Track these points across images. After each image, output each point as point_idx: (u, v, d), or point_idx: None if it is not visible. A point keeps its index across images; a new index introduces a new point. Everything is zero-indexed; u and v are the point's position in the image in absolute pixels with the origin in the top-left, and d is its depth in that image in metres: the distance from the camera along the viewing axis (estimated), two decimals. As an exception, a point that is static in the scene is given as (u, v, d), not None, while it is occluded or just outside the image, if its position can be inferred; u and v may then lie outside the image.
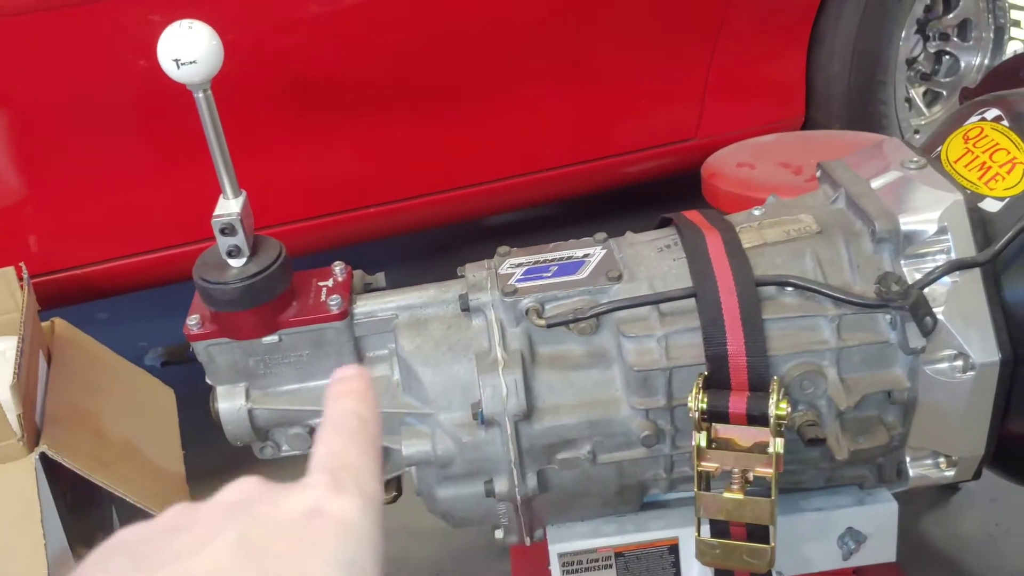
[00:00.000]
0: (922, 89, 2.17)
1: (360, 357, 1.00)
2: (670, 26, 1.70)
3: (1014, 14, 2.10)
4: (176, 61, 0.87)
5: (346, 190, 1.64)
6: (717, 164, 1.50)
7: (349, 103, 1.60)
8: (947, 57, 2.18)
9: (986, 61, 2.14)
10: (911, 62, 2.08)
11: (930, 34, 2.12)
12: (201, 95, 0.90)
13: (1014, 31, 2.12)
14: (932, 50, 2.13)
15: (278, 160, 1.59)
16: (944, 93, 2.18)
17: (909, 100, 2.07)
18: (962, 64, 2.16)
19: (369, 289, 1.05)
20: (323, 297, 0.97)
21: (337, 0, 1.54)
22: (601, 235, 1.04)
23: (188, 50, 0.86)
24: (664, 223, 1.05)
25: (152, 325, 2.31)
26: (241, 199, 0.95)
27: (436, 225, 1.78)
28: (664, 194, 1.87)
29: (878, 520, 1.03)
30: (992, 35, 2.14)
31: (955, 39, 2.15)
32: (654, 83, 1.76)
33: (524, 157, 1.72)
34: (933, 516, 1.42)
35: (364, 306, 0.99)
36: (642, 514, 1.05)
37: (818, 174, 1.05)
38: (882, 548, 1.05)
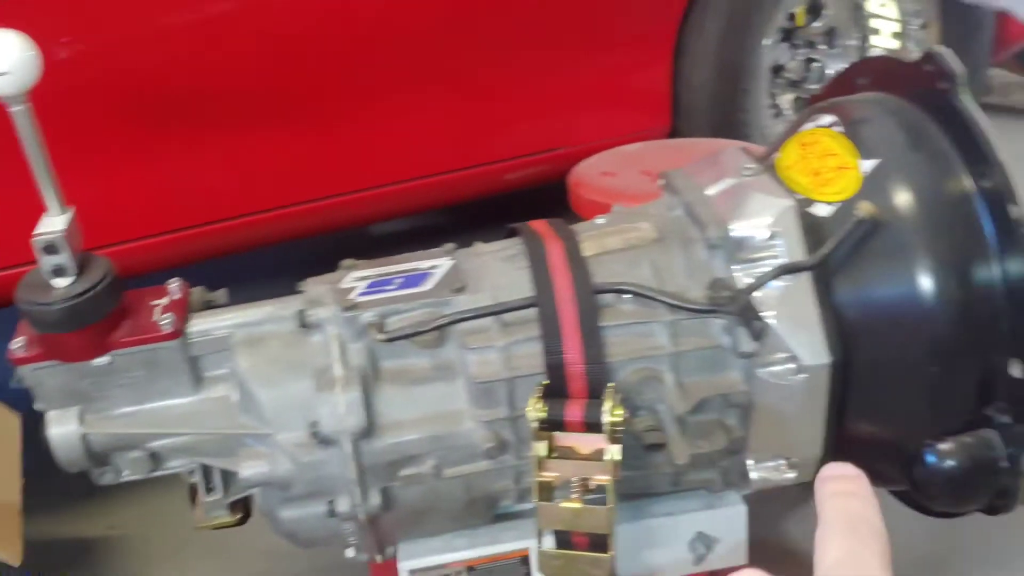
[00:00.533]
0: (791, 96, 2.22)
1: (198, 377, 0.97)
2: (539, 35, 1.71)
3: (875, 23, 2.18)
4: (-15, 72, 0.83)
5: (213, 201, 1.59)
6: (582, 173, 1.51)
7: (214, 111, 1.56)
8: (816, 64, 2.24)
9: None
10: (780, 69, 2.13)
11: (798, 42, 2.18)
12: (17, 108, 0.86)
13: (874, 39, 2.20)
14: (800, 58, 2.19)
15: (138, 172, 1.54)
16: (810, 103, 2.24)
17: (776, 107, 2.12)
18: (829, 71, 2.22)
19: (210, 306, 1.02)
20: (156, 316, 0.94)
21: (196, 6, 1.50)
22: (449, 246, 1.03)
23: (-1, 60, 0.82)
24: (511, 233, 1.05)
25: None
26: (67, 216, 0.91)
27: (302, 237, 1.75)
28: (543, 201, 1.88)
29: (727, 523, 1.05)
30: (859, 42, 2.21)
31: (822, 46, 2.21)
32: (525, 92, 1.76)
33: (396, 165, 1.71)
34: (794, 516, 1.45)
35: (199, 325, 0.96)
36: (494, 526, 1.04)
37: (661, 183, 1.06)
38: (733, 551, 1.06)
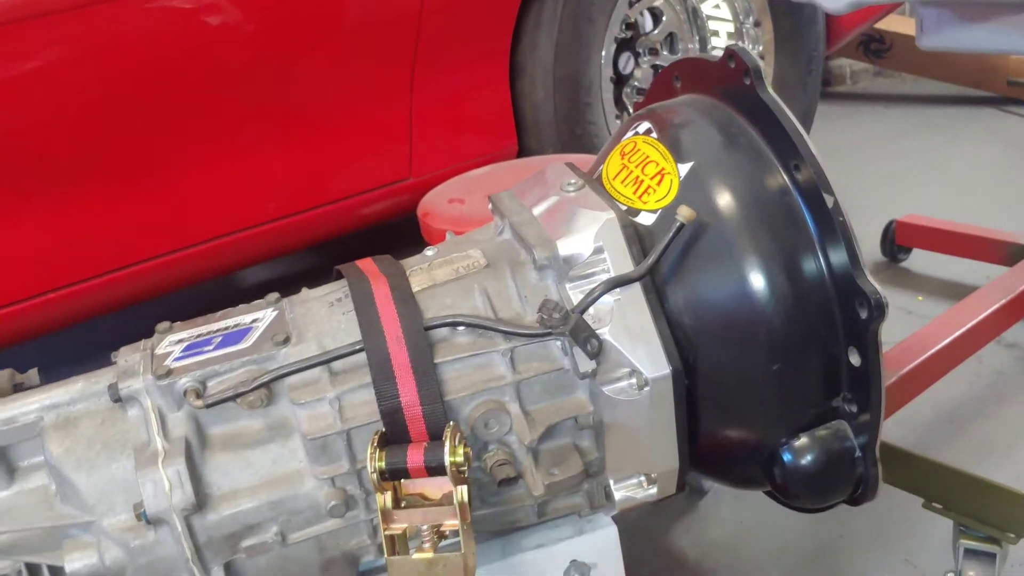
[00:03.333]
0: (641, 104, 2.24)
1: (10, 469, 0.89)
2: (364, 65, 1.67)
3: (712, 24, 2.22)
4: None
5: (25, 274, 1.49)
6: (430, 202, 1.47)
7: (16, 176, 1.46)
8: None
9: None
10: (627, 79, 2.15)
11: (640, 50, 2.20)
12: None
13: (714, 40, 2.24)
14: (645, 65, 2.21)
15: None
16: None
17: (627, 116, 2.14)
18: (677, 77, 2.25)
19: (19, 389, 0.94)
20: (-50, 409, 0.86)
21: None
22: (273, 296, 0.98)
23: None
24: (339, 275, 1.00)
25: None
26: None
27: (140, 300, 1.66)
28: (403, 235, 1.84)
29: (601, 547, 1.01)
30: (698, 46, 2.25)
31: (665, 52, 2.24)
32: (357, 125, 1.72)
33: (232, 213, 1.64)
34: (682, 525, 1.44)
35: (3, 412, 0.88)
36: (361, 585, 0.99)
37: (489, 207, 1.03)
38: (611, 574, 1.03)
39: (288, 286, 1.01)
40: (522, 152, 1.92)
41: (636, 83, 2.20)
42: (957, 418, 1.70)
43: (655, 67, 2.24)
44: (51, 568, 0.92)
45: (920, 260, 2.27)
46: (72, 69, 1.47)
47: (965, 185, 2.81)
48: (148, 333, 0.96)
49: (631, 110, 2.17)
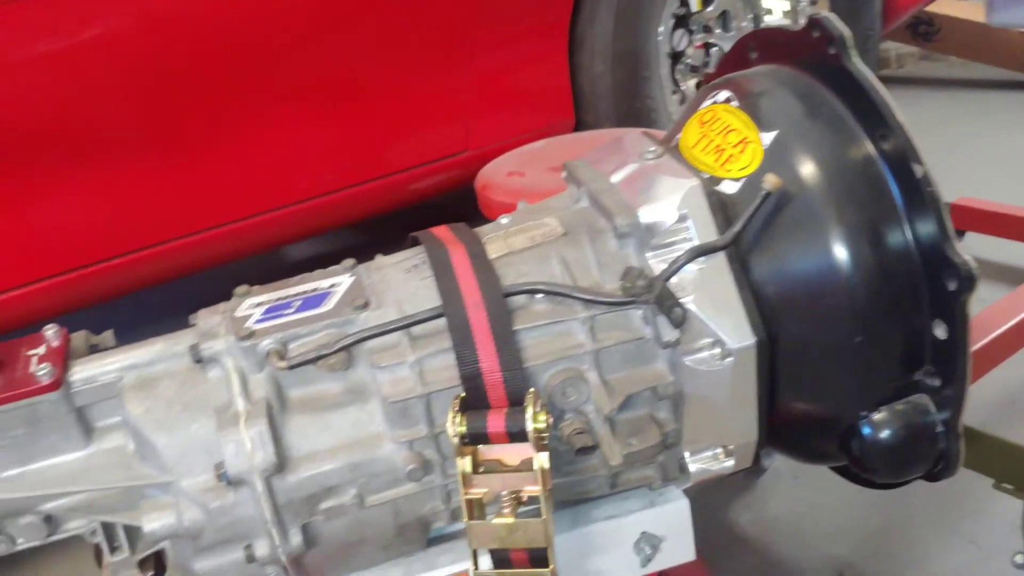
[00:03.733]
0: (694, 81, 2.22)
1: (87, 429, 0.89)
2: (422, 37, 1.66)
3: (766, 2, 2.19)
4: None
5: (83, 243, 1.50)
6: (489, 175, 1.46)
7: (77, 148, 1.47)
8: (715, 49, 2.24)
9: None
10: (680, 56, 2.13)
11: (693, 27, 2.17)
12: None
13: (767, 19, 2.21)
14: (698, 43, 2.19)
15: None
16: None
17: (681, 93, 2.12)
18: (728, 54, 2.23)
19: (96, 351, 0.95)
20: (32, 367, 0.86)
21: (54, 38, 1.41)
22: (349, 262, 0.98)
23: None
24: (414, 242, 1.00)
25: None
26: (-81, 269, 0.83)
27: (198, 271, 1.67)
28: (459, 209, 1.84)
29: (671, 520, 1.01)
30: (752, 24, 2.22)
31: (718, 31, 2.22)
32: (416, 97, 1.71)
33: (289, 185, 1.64)
34: (742, 502, 1.43)
35: (82, 372, 0.88)
36: (430, 550, 0.98)
37: (563, 175, 1.02)
38: (680, 548, 1.02)
39: (331, 263, 1.00)
40: (578, 126, 1.91)
41: (688, 60, 2.18)
42: (1019, 400, 1.67)
43: (708, 45, 2.22)
44: (126, 528, 0.93)
45: (973, 243, 2.24)
46: (126, 38, 1.47)
47: (1016, 169, 2.76)
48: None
49: (682, 88, 2.15)
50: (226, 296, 0.95)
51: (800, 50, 0.97)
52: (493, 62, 1.73)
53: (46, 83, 1.42)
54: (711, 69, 2.22)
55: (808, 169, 0.89)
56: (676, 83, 2.08)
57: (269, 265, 2.27)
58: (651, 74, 1.92)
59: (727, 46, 2.24)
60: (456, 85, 1.72)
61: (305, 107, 1.63)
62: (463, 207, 1.41)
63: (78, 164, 1.47)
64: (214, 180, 1.60)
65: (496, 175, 1.46)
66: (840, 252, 0.87)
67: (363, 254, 1.00)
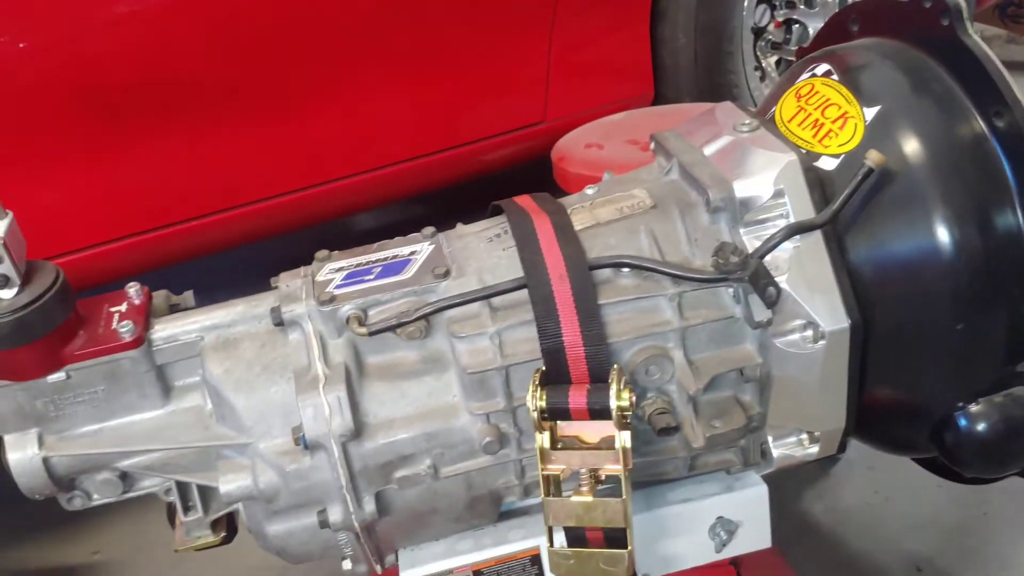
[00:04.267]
0: (774, 58, 2.16)
1: (166, 387, 0.89)
2: (504, 4, 1.63)
3: (854, -22, 2.11)
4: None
5: (166, 203, 1.52)
6: (566, 146, 1.44)
7: (165, 108, 1.48)
8: (796, 25, 2.18)
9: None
10: (760, 32, 2.07)
11: (776, 3, 2.11)
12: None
13: (854, -5, 2.13)
14: (780, 19, 2.13)
15: (88, 176, 1.46)
16: (795, 61, 2.19)
17: (762, 70, 2.06)
18: (811, 31, 2.16)
19: (176, 310, 0.95)
20: (114, 324, 0.87)
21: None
22: (429, 230, 0.96)
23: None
24: (496, 211, 0.97)
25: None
26: (6, 221, 0.83)
27: (272, 235, 1.67)
28: (529, 181, 1.82)
29: (749, 506, 0.98)
30: (836, 1, 2.15)
31: (801, 7, 2.15)
32: (494, 67, 1.69)
33: (366, 153, 1.63)
34: (814, 490, 1.40)
35: (163, 330, 0.88)
36: (500, 525, 0.97)
37: (652, 146, 0.99)
38: (756, 534, 0.99)
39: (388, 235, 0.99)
40: (657, 100, 1.87)
41: (770, 36, 2.12)
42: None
43: (789, 21, 2.16)
44: (200, 488, 0.93)
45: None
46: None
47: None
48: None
49: (762, 64, 2.09)
50: (285, 264, 0.94)
51: (907, 22, 0.92)
52: (574, 32, 1.70)
53: (143, 39, 1.43)
54: (793, 46, 2.16)
55: (913, 146, 0.85)
56: (757, 59, 2.03)
57: (332, 234, 2.27)
58: (734, 49, 1.87)
59: (810, 23, 2.17)
60: (536, 54, 1.69)
61: (387, 74, 1.61)
62: (529, 180, 1.39)
63: (171, 124, 1.48)
64: (298, 144, 1.60)
65: (574, 147, 1.43)
66: (944, 234, 0.83)
67: (418, 227, 0.99)
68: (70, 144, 1.43)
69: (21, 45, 1.33)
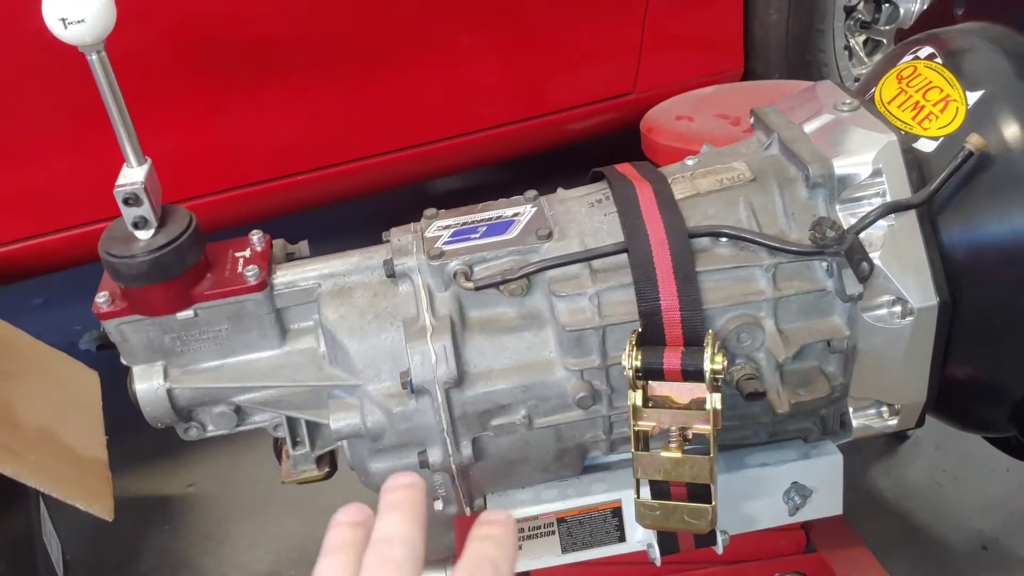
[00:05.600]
0: (863, 38, 2.14)
1: (283, 329, 0.95)
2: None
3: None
4: (63, 20, 0.81)
5: (272, 158, 1.58)
6: (655, 118, 1.46)
7: (275, 67, 1.54)
8: (887, 5, 2.15)
9: (925, 7, 2.12)
10: (850, 10, 2.06)
11: (868, -19, 2.09)
12: (94, 57, 0.85)
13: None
14: (871, -3, 2.11)
15: (204, 127, 1.52)
16: (884, 41, 2.16)
17: (849, 49, 2.05)
18: (901, 11, 2.13)
19: (292, 259, 1.01)
20: (240, 268, 0.93)
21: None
22: (531, 193, 1.00)
23: (75, 8, 0.81)
24: (596, 177, 1.01)
25: (87, 308, 2.27)
26: (146, 167, 0.90)
27: (370, 192, 1.73)
28: (612, 151, 1.85)
29: (823, 473, 1.02)
30: (931, -19, 2.12)
31: (894, -14, 2.13)
32: (588, 37, 1.71)
33: (459, 117, 1.67)
34: (881, 466, 1.42)
35: (284, 276, 0.94)
36: (584, 478, 1.02)
37: (751, 120, 1.02)
38: (829, 502, 1.03)
39: (476, 198, 1.03)
40: (746, 75, 1.88)
41: (859, 16, 2.10)
42: None
43: (879, 1, 2.13)
44: (308, 425, 0.99)
45: None
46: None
47: None
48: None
49: (850, 43, 2.08)
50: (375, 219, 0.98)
51: (1014, 7, 0.93)
52: (669, 4, 1.71)
53: (245, 2, 1.48)
54: (883, 25, 2.14)
55: (1013, 131, 0.87)
56: (846, 38, 2.02)
57: (415, 195, 2.32)
58: (826, 27, 1.86)
59: (901, 3, 2.14)
60: (631, 25, 1.70)
61: (482, 41, 1.64)
62: (615, 151, 1.42)
63: (280, 82, 1.54)
64: (396, 107, 1.64)
65: (663, 118, 1.45)
66: (1040, 220, 0.85)
67: (506, 192, 1.03)
68: (189, 99, 1.50)
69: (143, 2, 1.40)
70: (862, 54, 2.14)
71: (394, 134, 1.64)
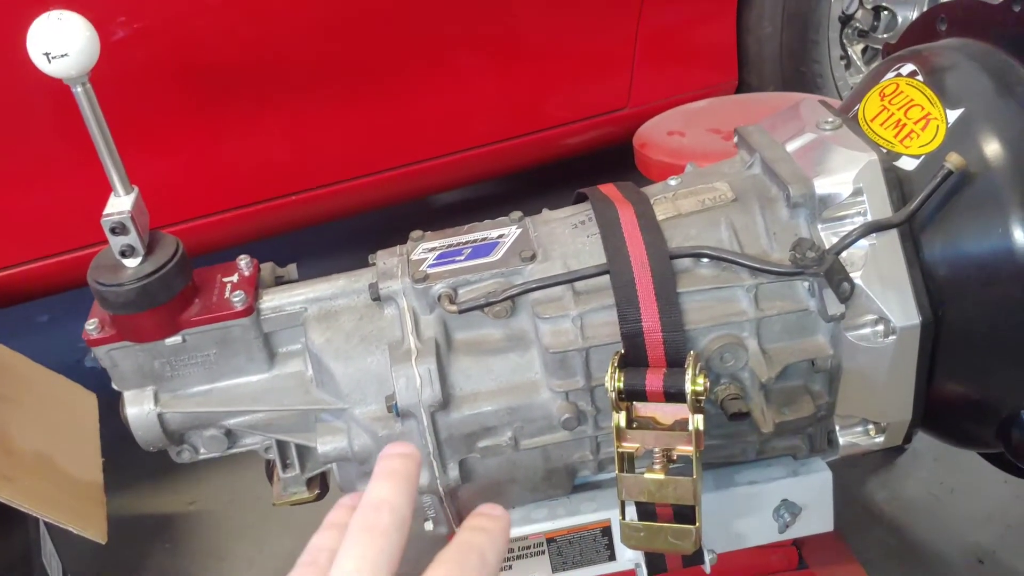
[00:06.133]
0: (861, 46, 2.14)
1: (271, 353, 0.96)
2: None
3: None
4: (47, 55, 0.82)
5: (267, 178, 1.59)
6: (648, 133, 1.46)
7: (265, 88, 1.56)
8: (885, 13, 2.15)
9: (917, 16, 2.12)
10: (848, 19, 2.06)
11: (865, -10, 2.09)
12: (79, 89, 0.86)
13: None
14: (869, 6, 2.11)
15: (195, 151, 1.54)
16: (882, 51, 2.17)
17: (847, 58, 2.05)
18: (900, 19, 2.14)
19: (280, 282, 1.02)
20: (227, 293, 0.94)
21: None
22: (516, 214, 1.01)
23: (58, 43, 0.82)
24: (580, 198, 1.02)
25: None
26: (133, 196, 0.91)
27: (364, 211, 1.74)
28: (607, 166, 1.85)
29: (813, 490, 1.02)
30: (929, -12, 2.12)
31: (891, -7, 2.13)
32: (581, 52, 1.72)
33: (452, 135, 1.69)
34: (878, 479, 1.42)
35: (271, 301, 0.95)
36: (573, 497, 1.02)
37: (735, 140, 1.02)
38: (819, 518, 1.03)
39: (472, 211, 1.03)
40: (741, 88, 1.88)
41: (857, 25, 2.10)
42: None
43: (877, 9, 2.13)
44: (298, 447, 1.00)
45: None
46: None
47: None
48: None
49: (847, 52, 2.08)
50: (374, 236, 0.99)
51: (996, 24, 0.93)
52: (662, 18, 1.72)
53: (252, 22, 1.50)
54: (880, 35, 2.14)
55: (994, 149, 0.87)
56: (843, 47, 2.02)
57: (413, 210, 2.33)
58: (820, 38, 1.86)
59: (899, 11, 2.15)
60: (623, 40, 1.71)
61: (477, 60, 1.66)
62: (610, 165, 1.42)
63: (270, 104, 1.55)
64: (392, 126, 1.65)
65: (656, 133, 1.46)
66: (1021, 238, 0.85)
67: (502, 205, 1.03)
68: (180, 123, 1.52)
69: (136, 26, 1.41)
70: (860, 63, 2.14)
71: (390, 152, 1.66)
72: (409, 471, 0.51)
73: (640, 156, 1.45)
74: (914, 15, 2.14)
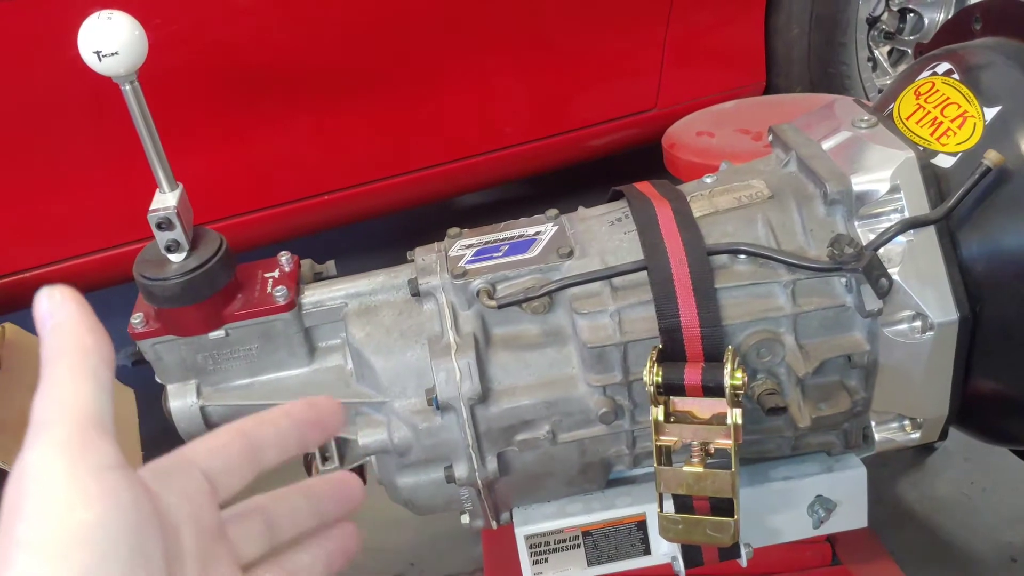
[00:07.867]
0: (887, 48, 2.14)
1: (311, 348, 0.98)
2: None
3: (974, -33, 2.07)
4: (97, 53, 0.84)
5: (301, 178, 1.61)
6: (677, 134, 1.47)
7: (299, 89, 1.58)
8: (911, 15, 2.15)
9: (950, 16, 2.12)
10: (875, 21, 2.06)
11: (892, -8, 2.10)
12: (128, 87, 0.88)
13: (975, -15, 2.09)
14: (895, 8, 2.11)
15: (231, 150, 1.56)
16: (909, 52, 2.16)
17: (874, 60, 2.05)
18: (926, 21, 2.14)
19: (319, 278, 1.03)
20: (269, 288, 0.95)
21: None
22: (552, 211, 1.02)
23: (109, 41, 0.84)
24: (616, 196, 1.03)
25: (123, 324, 2.30)
26: (178, 192, 0.93)
27: (395, 210, 1.76)
28: (633, 166, 1.86)
29: (847, 487, 1.02)
30: (957, -10, 2.12)
31: (918, -5, 2.13)
32: (610, 53, 1.73)
33: (482, 135, 1.70)
34: (909, 478, 1.42)
35: (312, 296, 0.97)
36: (609, 491, 1.03)
37: (770, 138, 1.03)
38: (853, 514, 1.03)
39: (501, 211, 1.05)
40: (768, 89, 1.89)
41: (883, 26, 2.10)
42: None
43: (904, 11, 2.14)
44: (337, 440, 1.01)
45: None
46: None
47: None
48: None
49: (874, 54, 2.08)
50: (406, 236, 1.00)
51: (1032, 23, 0.94)
52: (690, 20, 1.73)
53: (282, 26, 1.52)
54: (907, 36, 2.14)
55: (1031, 147, 0.87)
56: (870, 49, 2.02)
57: (442, 211, 2.35)
58: (848, 40, 1.87)
59: (926, 13, 2.15)
60: (652, 41, 1.72)
61: (507, 62, 1.67)
62: (638, 166, 1.42)
63: (304, 104, 1.57)
64: (423, 127, 1.67)
65: (685, 134, 1.47)
66: (1058, 234, 0.85)
67: (531, 205, 1.04)
68: (226, 125, 1.54)
69: (173, 28, 1.43)
70: (886, 65, 2.14)
71: (420, 153, 1.67)
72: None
73: (669, 156, 1.46)
74: (940, 17, 2.14)
